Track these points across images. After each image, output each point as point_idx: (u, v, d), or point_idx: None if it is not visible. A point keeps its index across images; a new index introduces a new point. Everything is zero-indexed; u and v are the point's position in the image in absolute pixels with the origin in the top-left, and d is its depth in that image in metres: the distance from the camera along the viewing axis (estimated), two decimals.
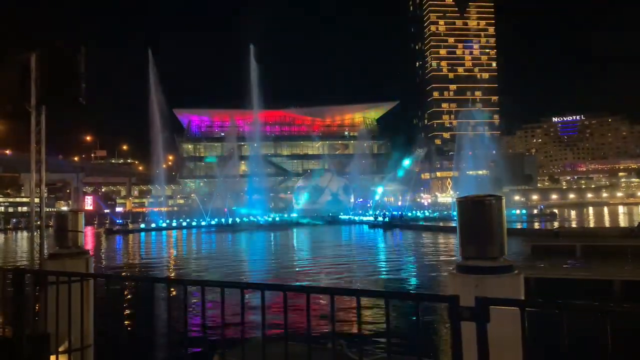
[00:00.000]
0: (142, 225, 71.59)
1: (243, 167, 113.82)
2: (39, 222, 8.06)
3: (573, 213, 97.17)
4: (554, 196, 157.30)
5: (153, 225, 71.99)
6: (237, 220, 76.29)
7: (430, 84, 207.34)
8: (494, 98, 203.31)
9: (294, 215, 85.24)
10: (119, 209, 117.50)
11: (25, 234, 70.70)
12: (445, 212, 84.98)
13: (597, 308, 2.44)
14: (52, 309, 4.62)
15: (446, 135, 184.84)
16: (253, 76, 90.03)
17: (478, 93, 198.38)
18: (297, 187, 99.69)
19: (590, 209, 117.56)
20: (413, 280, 22.84)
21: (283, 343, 3.41)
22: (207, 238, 55.36)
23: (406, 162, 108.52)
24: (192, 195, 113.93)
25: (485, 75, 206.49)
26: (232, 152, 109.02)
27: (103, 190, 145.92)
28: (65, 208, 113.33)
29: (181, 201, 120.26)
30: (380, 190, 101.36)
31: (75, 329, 4.65)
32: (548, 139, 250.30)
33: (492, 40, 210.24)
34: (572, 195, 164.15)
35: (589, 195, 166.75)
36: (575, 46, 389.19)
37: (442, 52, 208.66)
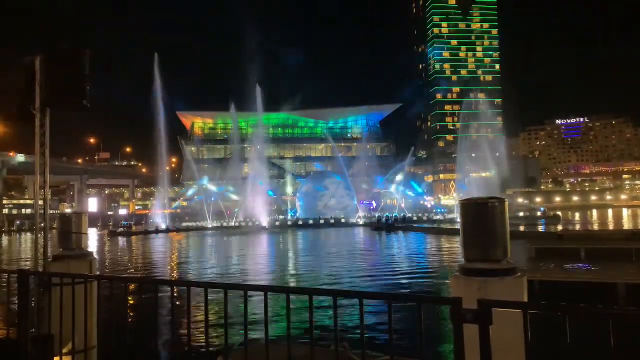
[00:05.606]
0: (146, 228, 71.76)
1: (246, 169, 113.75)
2: (42, 224, 8.08)
3: (577, 215, 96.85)
4: (558, 198, 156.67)
5: (156, 227, 72.12)
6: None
7: (433, 86, 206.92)
8: (498, 100, 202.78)
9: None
10: (122, 211, 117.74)
11: (29, 235, 70.91)
12: (449, 215, 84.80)
13: (601, 311, 2.43)
14: (56, 311, 4.63)
15: (449, 137, 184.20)
16: (251, 79, 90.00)
17: (481, 95, 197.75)
18: (300, 189, 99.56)
19: (594, 212, 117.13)
20: (418, 283, 22.78)
21: (286, 344, 3.40)
22: (210, 240, 55.41)
23: (409, 165, 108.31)
24: (195, 197, 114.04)
25: (489, 78, 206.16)
26: (235, 154, 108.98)
27: (106, 192, 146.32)
28: (68, 210, 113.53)
29: (184, 203, 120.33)
30: (383, 192, 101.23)
31: (79, 330, 4.67)
32: (551, 141, 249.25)
33: (495, 42, 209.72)
34: (575, 198, 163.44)
35: (593, 197, 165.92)
36: (578, 48, 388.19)
37: (445, 54, 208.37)
